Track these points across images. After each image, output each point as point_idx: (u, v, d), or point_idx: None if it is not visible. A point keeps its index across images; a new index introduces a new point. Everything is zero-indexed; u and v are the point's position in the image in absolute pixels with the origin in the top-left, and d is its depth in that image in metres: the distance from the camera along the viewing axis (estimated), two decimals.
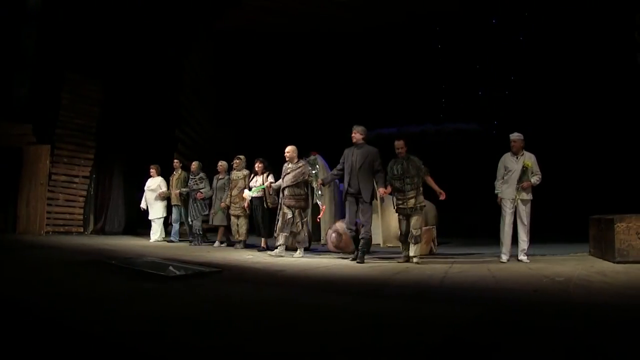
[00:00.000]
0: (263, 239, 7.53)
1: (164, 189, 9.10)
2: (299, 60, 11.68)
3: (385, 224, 8.66)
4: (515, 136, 5.75)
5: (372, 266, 5.42)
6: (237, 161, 7.87)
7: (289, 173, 6.53)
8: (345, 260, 6.00)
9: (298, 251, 6.53)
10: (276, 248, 6.47)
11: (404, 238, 5.79)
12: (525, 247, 5.64)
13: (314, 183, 6.67)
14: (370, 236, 5.95)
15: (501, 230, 5.72)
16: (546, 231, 9.18)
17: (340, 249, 7.04)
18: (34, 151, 9.91)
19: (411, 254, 5.69)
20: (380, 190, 5.77)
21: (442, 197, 5.66)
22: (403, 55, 11.39)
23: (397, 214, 5.89)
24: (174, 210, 8.98)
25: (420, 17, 10.42)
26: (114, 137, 10.86)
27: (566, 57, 9.53)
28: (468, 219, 10.89)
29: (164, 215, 9.32)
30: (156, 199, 9.11)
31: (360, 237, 5.83)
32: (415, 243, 5.64)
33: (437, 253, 7.09)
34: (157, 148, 10.51)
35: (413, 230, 5.63)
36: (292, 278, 4.42)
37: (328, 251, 7.29)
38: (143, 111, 10.91)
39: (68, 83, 10.09)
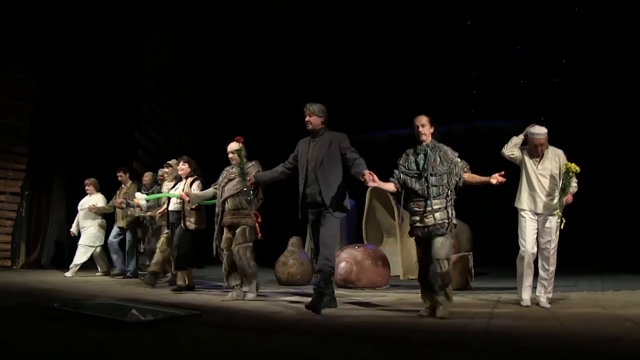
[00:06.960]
0: (178, 273, 6.73)
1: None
2: (288, 42, 11.64)
3: (405, 252, 8.59)
4: None
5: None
6: (168, 169, 7.62)
7: (232, 179, 5.76)
8: (359, 296, 5.94)
9: (250, 288, 5.75)
10: (231, 290, 5.83)
11: (424, 280, 4.54)
12: None
13: None
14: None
15: None
16: (607, 260, 9.14)
17: (350, 283, 6.99)
18: None
19: (440, 305, 4.39)
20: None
21: (495, 181, 4.33)
22: (424, 37, 11.36)
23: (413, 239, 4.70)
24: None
25: None
26: (53, 141, 10.72)
27: (635, 33, 9.49)
28: (510, 242, 10.81)
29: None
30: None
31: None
32: (445, 285, 4.40)
33: (474, 287, 7.05)
34: (111, 155, 10.36)
35: (439, 262, 4.33)
36: (294, 323, 4.36)
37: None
38: (91, 108, 10.78)
39: None
